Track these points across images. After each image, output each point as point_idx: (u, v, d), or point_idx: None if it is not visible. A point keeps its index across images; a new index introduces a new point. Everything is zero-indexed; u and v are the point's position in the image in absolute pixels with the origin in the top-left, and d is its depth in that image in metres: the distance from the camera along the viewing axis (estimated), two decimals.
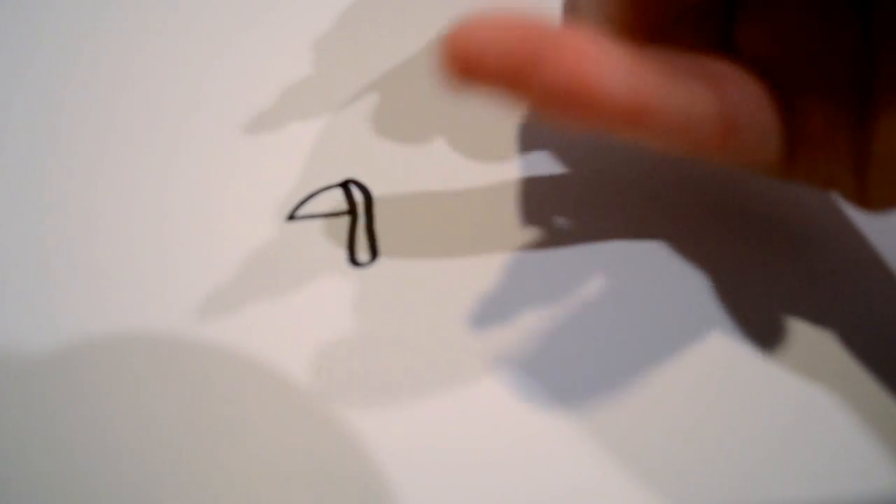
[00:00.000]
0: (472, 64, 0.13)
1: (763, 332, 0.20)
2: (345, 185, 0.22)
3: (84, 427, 0.18)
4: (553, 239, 0.21)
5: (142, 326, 0.20)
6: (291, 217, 0.22)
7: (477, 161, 0.22)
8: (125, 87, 0.24)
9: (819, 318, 0.20)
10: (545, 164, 0.22)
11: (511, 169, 0.22)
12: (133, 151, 0.23)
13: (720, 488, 0.18)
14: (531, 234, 0.21)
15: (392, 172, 0.22)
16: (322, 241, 0.21)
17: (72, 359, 0.19)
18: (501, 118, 0.23)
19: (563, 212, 0.22)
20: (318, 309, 0.20)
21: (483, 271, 0.21)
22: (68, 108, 0.23)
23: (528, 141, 0.23)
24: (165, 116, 0.23)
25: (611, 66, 0.14)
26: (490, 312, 0.20)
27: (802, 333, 0.20)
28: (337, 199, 0.22)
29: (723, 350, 0.20)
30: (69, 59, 0.25)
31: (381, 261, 0.21)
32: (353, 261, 0.21)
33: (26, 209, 0.22)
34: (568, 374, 0.19)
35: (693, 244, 0.21)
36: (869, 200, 0.17)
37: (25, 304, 0.20)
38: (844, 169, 0.17)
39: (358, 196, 0.22)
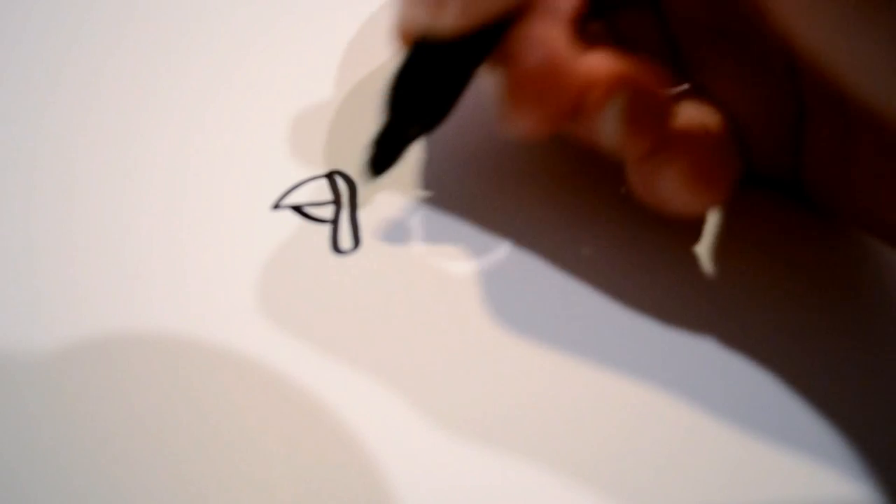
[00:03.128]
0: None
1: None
2: (329, 176, 0.23)
3: (77, 426, 0.18)
4: (538, 227, 0.22)
5: (125, 321, 0.20)
6: (276, 206, 0.22)
7: (460, 152, 0.23)
8: (108, 81, 0.25)
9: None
10: (531, 156, 0.23)
11: (496, 160, 0.23)
12: (119, 145, 0.23)
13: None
14: (516, 223, 0.22)
15: None
16: (306, 230, 0.22)
17: (51, 353, 0.19)
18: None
19: (550, 199, 0.22)
20: (300, 296, 0.20)
21: (465, 258, 0.21)
22: (62, 106, 0.24)
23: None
24: (151, 107, 0.24)
25: None
26: (474, 300, 0.20)
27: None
28: (322, 189, 0.22)
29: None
30: (65, 59, 0.25)
31: (364, 249, 0.21)
32: (336, 248, 0.21)
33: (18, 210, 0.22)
34: (559, 363, 0.20)
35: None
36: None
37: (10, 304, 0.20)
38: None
39: (343, 187, 0.22)
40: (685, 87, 0.22)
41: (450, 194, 0.22)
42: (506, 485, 0.18)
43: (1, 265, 0.21)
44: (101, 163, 0.23)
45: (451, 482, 0.18)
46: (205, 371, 0.19)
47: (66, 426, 0.18)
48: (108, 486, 0.18)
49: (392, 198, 0.22)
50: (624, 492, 0.18)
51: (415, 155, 0.23)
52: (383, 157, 0.21)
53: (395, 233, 0.22)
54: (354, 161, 0.23)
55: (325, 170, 0.23)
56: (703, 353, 0.20)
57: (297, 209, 0.22)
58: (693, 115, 0.20)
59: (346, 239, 0.21)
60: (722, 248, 0.22)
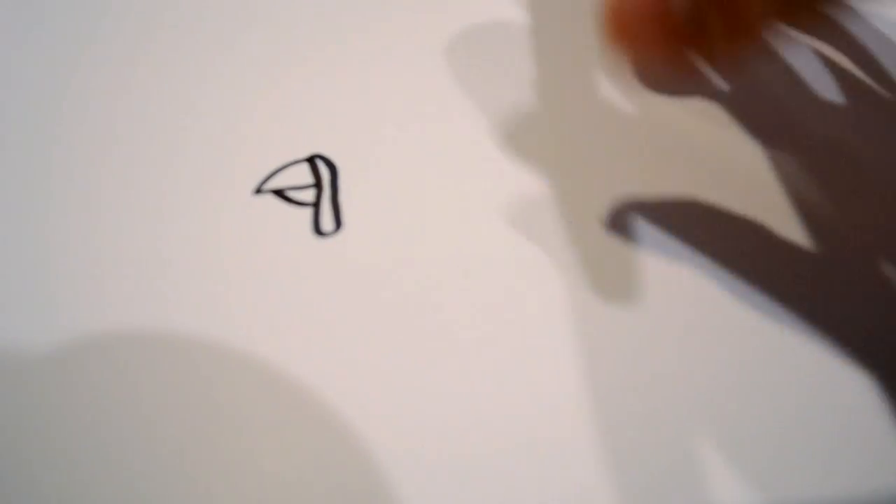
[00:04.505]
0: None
1: None
2: (311, 160, 0.23)
3: (64, 421, 0.18)
4: (520, 214, 0.22)
5: (104, 310, 0.20)
6: (258, 191, 0.22)
7: (443, 135, 0.23)
8: (88, 68, 0.25)
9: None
10: (513, 140, 0.23)
11: (478, 141, 0.23)
12: (100, 133, 0.23)
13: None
14: (496, 209, 0.22)
15: (358, 146, 0.23)
16: (288, 214, 0.22)
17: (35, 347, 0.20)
18: (468, 91, 0.24)
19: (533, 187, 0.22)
20: (282, 279, 0.21)
21: (445, 242, 0.21)
22: (43, 97, 0.24)
23: (495, 112, 0.23)
24: (133, 95, 0.24)
25: None
26: (458, 282, 0.21)
27: None
28: (303, 173, 0.22)
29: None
30: (45, 52, 0.25)
31: (345, 231, 0.21)
32: (318, 231, 0.21)
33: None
34: (549, 347, 0.20)
35: None
36: None
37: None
38: None
39: (324, 170, 0.22)
40: None
41: (434, 175, 0.22)
42: (502, 475, 0.18)
43: None
44: (81, 152, 0.23)
45: (437, 466, 0.18)
46: (186, 358, 0.19)
47: (54, 422, 0.18)
48: (107, 487, 0.18)
49: (374, 180, 0.22)
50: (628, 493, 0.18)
51: (399, 138, 0.23)
52: None
53: (378, 216, 0.22)
54: (335, 144, 0.23)
55: (306, 154, 0.23)
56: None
57: (279, 193, 0.22)
58: None
59: (327, 221, 0.22)
60: None
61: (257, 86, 0.24)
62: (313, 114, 0.24)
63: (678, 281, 0.20)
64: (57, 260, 0.21)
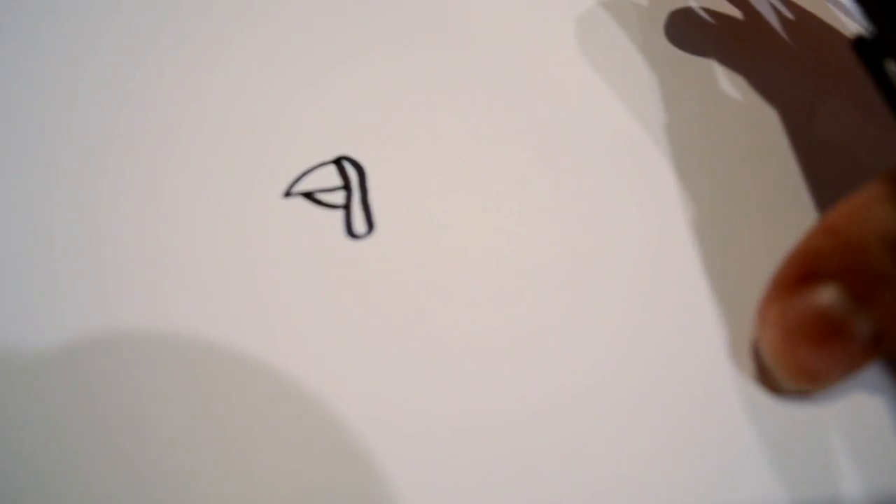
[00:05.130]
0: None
1: None
2: (338, 162, 0.23)
3: (78, 422, 0.18)
4: (541, 209, 0.22)
5: (137, 314, 0.20)
6: (288, 194, 0.22)
7: (467, 133, 0.23)
8: (113, 72, 0.24)
9: None
10: (533, 137, 0.23)
11: (503, 141, 0.23)
12: (127, 138, 0.23)
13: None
14: (524, 205, 0.22)
15: (384, 147, 0.23)
16: (319, 216, 0.22)
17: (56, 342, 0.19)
18: (493, 89, 0.24)
19: (552, 180, 0.22)
20: (316, 283, 0.21)
21: (478, 240, 0.21)
22: (64, 101, 0.24)
23: (519, 112, 0.24)
24: (159, 100, 0.24)
25: None
26: (494, 282, 0.21)
27: None
28: (331, 176, 0.22)
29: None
30: (66, 58, 0.25)
31: (378, 232, 0.21)
32: (351, 233, 0.21)
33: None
34: (568, 356, 0.20)
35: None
36: None
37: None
38: None
39: (351, 172, 0.22)
40: None
41: (460, 171, 0.23)
42: (509, 481, 0.18)
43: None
44: (112, 155, 0.23)
45: (464, 483, 0.18)
46: (220, 364, 0.19)
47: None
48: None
49: (403, 180, 0.22)
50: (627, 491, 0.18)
51: (425, 138, 0.23)
52: None
53: (410, 215, 0.22)
54: (361, 145, 0.23)
55: (332, 156, 0.23)
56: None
57: (309, 196, 0.22)
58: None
59: (359, 223, 0.22)
60: None
61: (282, 89, 0.24)
62: (339, 116, 0.24)
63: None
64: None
